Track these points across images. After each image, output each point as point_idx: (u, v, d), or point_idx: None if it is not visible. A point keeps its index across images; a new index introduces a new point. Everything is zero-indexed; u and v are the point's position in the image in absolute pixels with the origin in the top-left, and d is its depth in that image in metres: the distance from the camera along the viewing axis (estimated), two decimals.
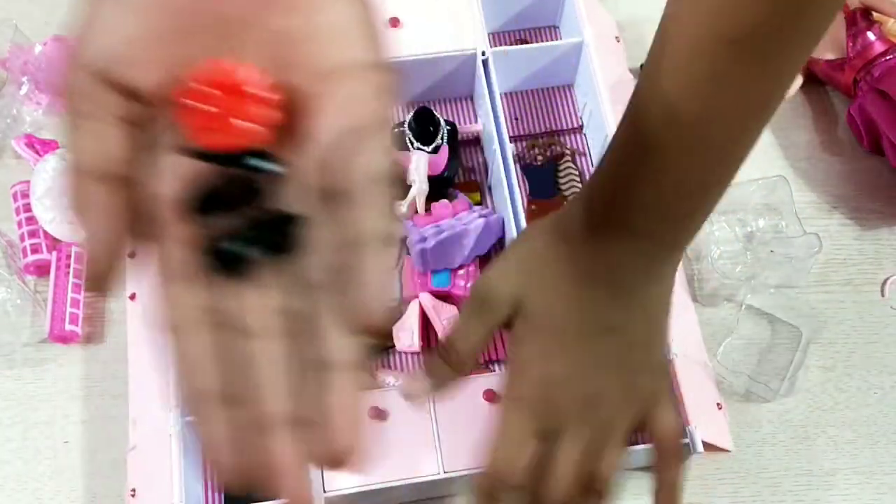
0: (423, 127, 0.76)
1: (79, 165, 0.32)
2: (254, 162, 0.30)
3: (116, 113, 0.31)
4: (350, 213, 0.30)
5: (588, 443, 0.52)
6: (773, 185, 0.78)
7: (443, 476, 0.63)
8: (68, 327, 0.73)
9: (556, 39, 0.88)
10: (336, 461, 0.29)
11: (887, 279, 0.78)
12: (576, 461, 0.52)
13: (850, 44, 0.81)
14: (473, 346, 0.54)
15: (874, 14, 0.82)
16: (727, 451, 0.69)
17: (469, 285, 0.73)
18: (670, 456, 0.55)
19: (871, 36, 0.81)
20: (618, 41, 0.84)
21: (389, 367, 0.72)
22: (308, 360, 0.30)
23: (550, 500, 0.51)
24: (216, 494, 0.69)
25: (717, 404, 0.69)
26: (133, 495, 0.64)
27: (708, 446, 0.66)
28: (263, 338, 0.30)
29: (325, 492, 0.62)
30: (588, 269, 0.52)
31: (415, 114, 0.76)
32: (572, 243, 0.53)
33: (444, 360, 0.54)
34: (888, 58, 0.80)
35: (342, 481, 0.62)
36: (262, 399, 0.30)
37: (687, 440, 0.65)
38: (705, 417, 0.67)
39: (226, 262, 0.30)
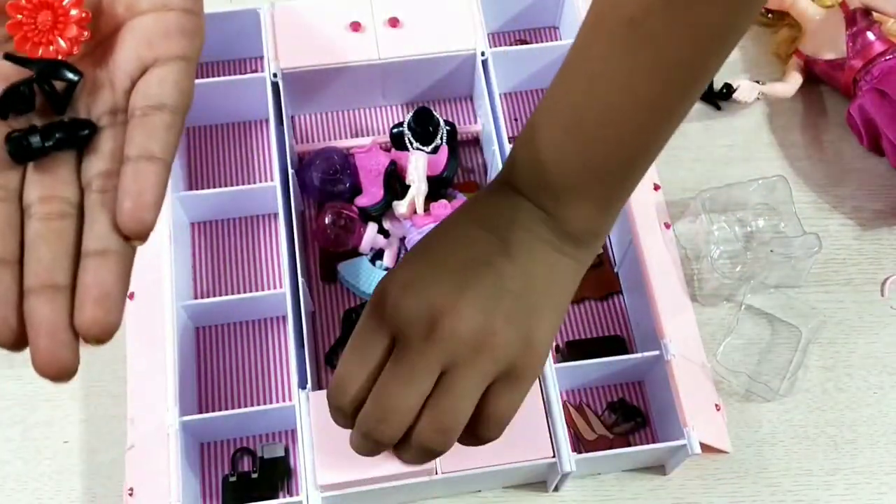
0: (423, 127, 0.76)
1: None
2: (60, 71, 0.37)
3: None
4: (129, 131, 0.36)
5: (422, 369, 0.49)
6: (772, 184, 0.78)
7: (439, 476, 0.63)
8: None
9: (556, 40, 0.88)
10: (85, 330, 0.35)
11: (887, 279, 0.78)
12: (403, 386, 0.49)
13: (850, 44, 0.81)
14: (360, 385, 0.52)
15: (874, 14, 0.82)
16: (725, 452, 0.69)
17: None
18: (481, 435, 0.52)
19: (870, 36, 0.81)
20: None
21: None
22: (77, 246, 0.36)
23: (379, 429, 0.49)
24: (215, 493, 0.69)
25: (716, 405, 0.69)
26: (131, 494, 0.64)
27: (706, 447, 0.66)
28: (43, 219, 0.36)
29: (320, 492, 0.63)
30: (481, 214, 0.53)
31: (414, 114, 0.77)
32: (476, 197, 0.55)
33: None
34: (888, 58, 0.79)
35: (336, 476, 0.62)
36: (30, 267, 0.35)
37: (685, 441, 0.65)
38: (703, 418, 0.67)
39: (20, 150, 0.36)
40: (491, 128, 0.76)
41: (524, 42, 0.88)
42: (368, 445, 0.51)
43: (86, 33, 0.37)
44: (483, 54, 0.79)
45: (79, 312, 0.35)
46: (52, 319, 0.35)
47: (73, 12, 0.37)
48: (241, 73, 0.85)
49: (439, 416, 0.49)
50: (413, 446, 0.50)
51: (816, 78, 0.85)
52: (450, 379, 0.49)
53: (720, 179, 0.80)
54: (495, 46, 0.83)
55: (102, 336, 0.35)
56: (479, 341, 0.49)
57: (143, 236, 0.35)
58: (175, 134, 0.36)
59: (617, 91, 0.48)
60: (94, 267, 0.35)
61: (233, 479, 0.69)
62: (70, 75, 0.37)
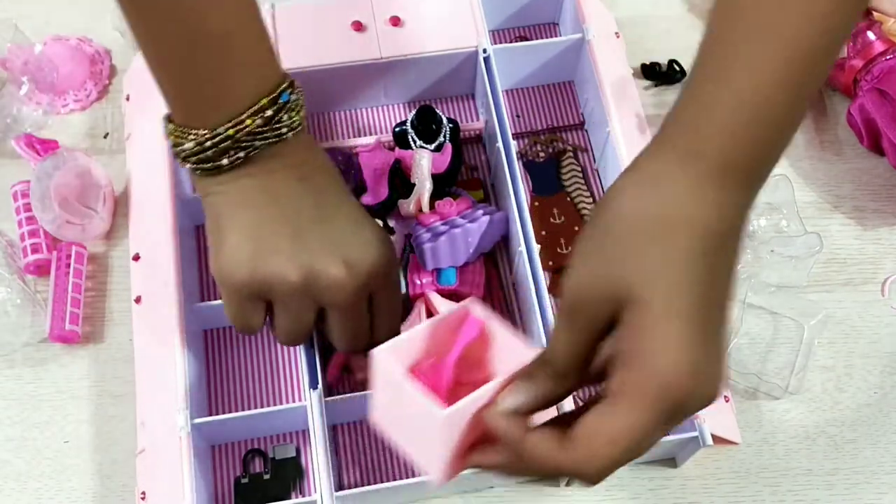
0: (426, 125, 0.76)
1: None
2: None
3: None
4: None
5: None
6: (774, 184, 0.78)
7: None
8: (68, 327, 0.73)
9: (556, 36, 0.88)
10: None
11: (887, 279, 0.79)
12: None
13: (850, 43, 0.81)
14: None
15: (874, 14, 0.82)
16: (735, 443, 0.69)
17: (476, 282, 0.73)
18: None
19: (870, 35, 0.81)
20: (617, 37, 0.84)
21: None
22: None
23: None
24: (227, 495, 0.69)
25: (725, 397, 0.70)
26: (143, 498, 0.64)
27: (717, 439, 0.66)
28: None
29: (335, 490, 0.63)
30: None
31: (417, 112, 0.76)
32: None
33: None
34: (888, 57, 0.80)
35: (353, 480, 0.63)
36: None
37: (696, 433, 0.65)
38: (713, 410, 0.67)
39: None
40: (494, 124, 0.76)
41: (524, 38, 0.88)
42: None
43: None
44: (485, 51, 0.79)
45: None
46: None
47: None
48: None
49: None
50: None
51: None
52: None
53: None
54: (496, 43, 0.83)
55: None
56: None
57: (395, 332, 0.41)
58: None
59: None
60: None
61: (245, 480, 0.69)
62: None
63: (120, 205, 0.79)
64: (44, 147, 0.79)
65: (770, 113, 0.46)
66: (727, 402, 0.70)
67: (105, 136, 0.83)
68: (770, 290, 0.76)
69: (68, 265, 0.75)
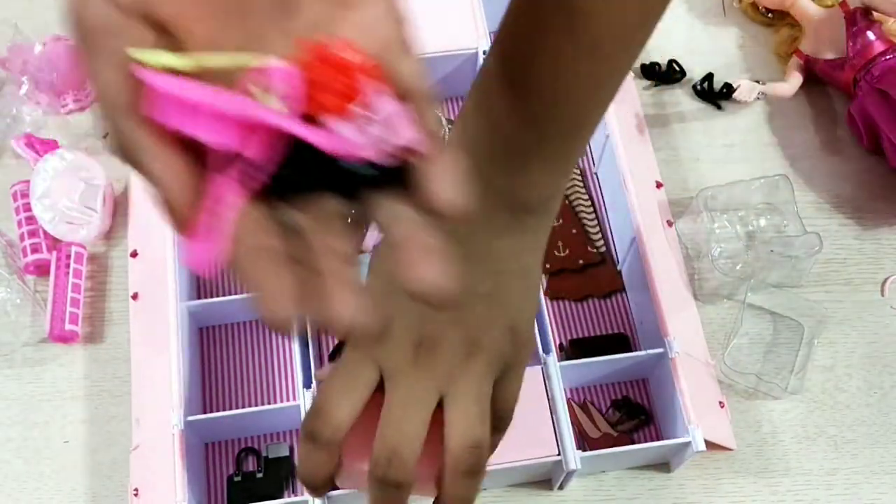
0: None
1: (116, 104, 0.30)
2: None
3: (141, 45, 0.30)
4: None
5: (420, 395, 0.47)
6: (774, 184, 0.78)
7: None
8: (68, 327, 0.73)
9: None
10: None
11: (887, 279, 0.79)
12: (405, 415, 0.46)
13: (850, 43, 0.81)
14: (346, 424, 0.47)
15: (874, 13, 0.82)
16: (730, 449, 0.69)
17: None
18: (496, 427, 0.50)
19: (870, 35, 0.81)
20: None
21: None
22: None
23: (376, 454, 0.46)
24: (220, 493, 0.69)
25: (720, 402, 0.69)
26: (136, 495, 0.64)
27: (710, 445, 0.66)
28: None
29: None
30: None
31: None
32: None
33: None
34: (888, 57, 0.80)
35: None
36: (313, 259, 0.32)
37: (689, 439, 0.65)
38: (707, 416, 0.67)
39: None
40: None
41: None
42: (388, 494, 0.46)
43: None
44: (485, 53, 0.79)
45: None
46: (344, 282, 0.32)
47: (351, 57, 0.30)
48: None
49: (463, 439, 0.46)
50: (450, 472, 0.46)
51: (817, 78, 0.85)
52: (454, 399, 0.47)
53: (720, 179, 0.80)
54: None
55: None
56: (467, 354, 0.48)
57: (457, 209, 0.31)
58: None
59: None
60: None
61: (238, 478, 0.69)
62: (369, 171, 0.30)
63: (120, 205, 0.79)
64: (44, 147, 0.79)
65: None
66: (722, 408, 0.70)
67: (105, 136, 0.83)
68: (770, 290, 0.76)
69: (68, 265, 0.75)
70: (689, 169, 0.82)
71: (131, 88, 0.29)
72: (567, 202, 0.80)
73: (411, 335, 0.48)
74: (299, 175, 0.29)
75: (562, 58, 0.45)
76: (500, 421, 0.50)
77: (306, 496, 0.63)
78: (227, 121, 0.28)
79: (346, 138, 0.29)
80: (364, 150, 0.29)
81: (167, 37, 0.30)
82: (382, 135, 0.29)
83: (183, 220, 0.29)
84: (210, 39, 0.30)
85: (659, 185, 0.77)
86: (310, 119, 0.29)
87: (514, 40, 0.46)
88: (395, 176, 0.30)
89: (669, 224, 0.76)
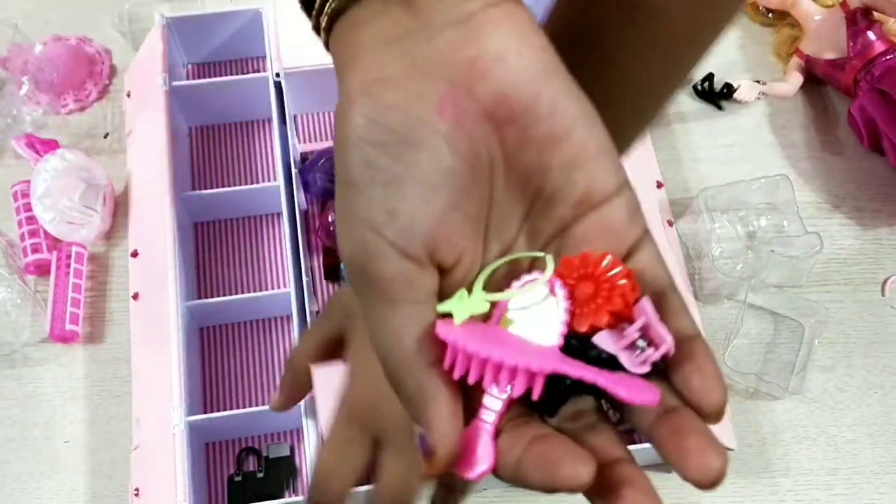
0: None
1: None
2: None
3: (431, 292, 0.31)
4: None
5: (415, 460, 0.52)
6: (775, 184, 0.78)
7: None
8: (68, 327, 0.73)
9: None
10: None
11: (887, 279, 0.79)
12: (396, 477, 0.51)
13: (851, 43, 0.81)
14: (310, 356, 0.54)
15: (874, 14, 0.82)
16: (730, 449, 0.69)
17: None
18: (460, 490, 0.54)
19: (871, 35, 0.81)
20: None
21: None
22: None
23: None
24: (220, 493, 0.69)
25: None
26: (137, 494, 0.64)
27: None
28: None
29: None
30: None
31: None
32: None
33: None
34: (888, 57, 0.80)
35: None
36: None
37: None
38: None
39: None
40: None
41: None
42: None
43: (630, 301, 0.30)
44: None
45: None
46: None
47: (622, 282, 0.30)
48: (243, 73, 0.85)
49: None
50: None
51: (817, 78, 0.85)
52: None
53: (721, 179, 0.80)
54: None
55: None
56: None
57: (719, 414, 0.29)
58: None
59: None
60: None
61: (238, 478, 0.69)
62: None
63: (120, 205, 0.79)
64: (44, 147, 0.79)
65: None
66: None
67: (105, 136, 0.83)
68: (770, 290, 0.76)
69: (68, 265, 0.75)
70: (689, 169, 0.82)
71: (433, 343, 0.30)
72: None
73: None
74: (556, 394, 0.31)
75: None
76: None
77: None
78: (514, 371, 0.29)
79: (631, 378, 0.29)
80: (635, 369, 0.30)
81: (443, 274, 0.31)
82: (644, 347, 0.30)
83: (438, 468, 0.30)
84: (475, 261, 0.32)
85: (659, 185, 0.77)
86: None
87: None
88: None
89: (670, 224, 0.75)
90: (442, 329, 0.30)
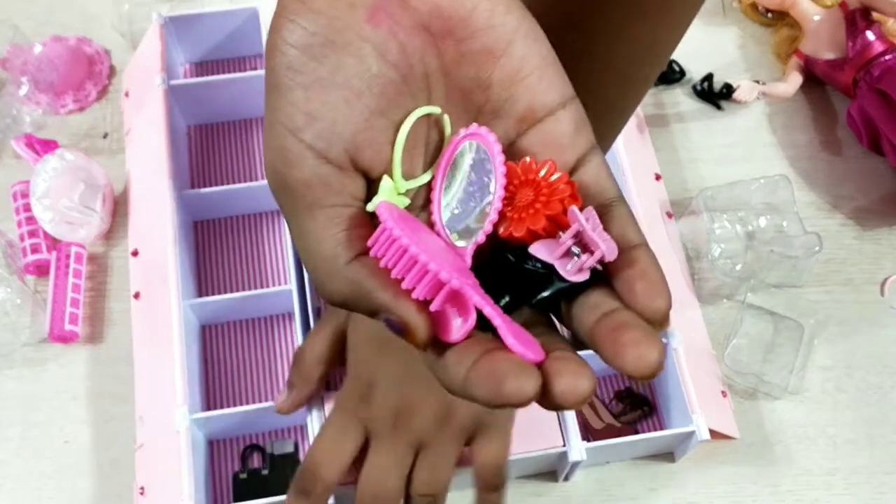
0: None
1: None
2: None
3: (356, 197, 0.30)
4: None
5: (398, 456, 0.55)
6: (774, 184, 0.78)
7: None
8: (68, 327, 0.73)
9: None
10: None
11: (887, 279, 0.79)
12: (379, 469, 0.55)
13: (850, 43, 0.81)
14: (318, 355, 0.58)
15: (874, 14, 0.82)
16: (733, 438, 0.69)
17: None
18: (488, 486, 0.58)
19: (870, 36, 0.81)
20: None
21: None
22: None
23: None
24: (225, 490, 0.69)
25: (722, 392, 0.70)
26: (142, 493, 0.64)
27: (714, 434, 0.66)
28: None
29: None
30: None
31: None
32: None
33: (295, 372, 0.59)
34: (887, 57, 0.80)
35: (351, 474, 0.63)
36: None
37: (693, 428, 0.65)
38: (710, 405, 0.68)
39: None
40: None
41: None
42: None
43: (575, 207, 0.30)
44: None
45: None
46: None
47: (562, 187, 0.30)
48: (241, 71, 0.85)
49: (425, 488, 0.56)
50: None
51: (817, 78, 0.85)
52: (425, 454, 0.56)
53: (720, 179, 0.80)
54: None
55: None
56: (441, 419, 0.55)
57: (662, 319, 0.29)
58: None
59: None
60: None
61: (243, 476, 0.69)
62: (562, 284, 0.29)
63: (120, 205, 0.79)
64: (44, 147, 0.79)
65: None
66: (725, 397, 0.70)
67: (105, 136, 0.83)
68: (770, 290, 0.76)
69: (68, 265, 0.75)
70: (688, 169, 0.82)
71: (352, 238, 0.30)
72: None
73: (390, 401, 0.55)
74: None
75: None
76: (493, 478, 0.58)
77: None
78: (425, 273, 0.29)
79: (525, 333, 0.29)
80: (571, 277, 0.29)
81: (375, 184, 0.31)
82: (582, 254, 0.29)
83: (426, 340, 0.29)
84: (409, 172, 0.32)
85: (658, 178, 0.77)
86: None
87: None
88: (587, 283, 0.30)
89: (669, 216, 0.76)
90: (382, 211, 0.29)
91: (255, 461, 0.70)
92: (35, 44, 0.84)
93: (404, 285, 0.28)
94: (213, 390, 0.73)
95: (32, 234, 0.76)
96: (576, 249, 0.29)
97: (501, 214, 0.31)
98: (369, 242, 0.29)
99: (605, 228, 0.29)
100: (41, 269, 0.76)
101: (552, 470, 0.70)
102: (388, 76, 0.30)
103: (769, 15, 0.90)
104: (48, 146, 0.79)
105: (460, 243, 0.31)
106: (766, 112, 0.86)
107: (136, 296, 0.71)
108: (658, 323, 0.28)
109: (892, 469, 0.71)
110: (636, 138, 0.78)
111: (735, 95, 0.84)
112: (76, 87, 0.84)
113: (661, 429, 0.71)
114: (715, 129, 0.85)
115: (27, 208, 0.76)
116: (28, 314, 0.74)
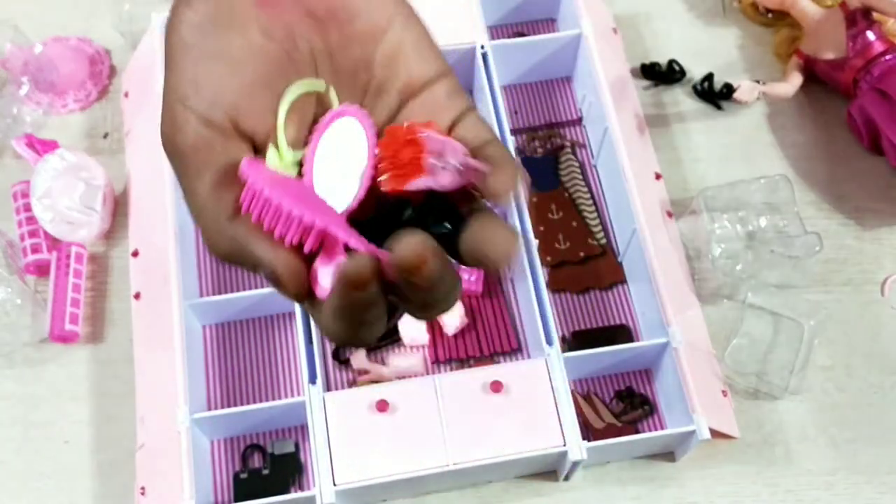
0: None
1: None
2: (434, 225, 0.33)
3: (241, 160, 0.33)
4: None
5: None
6: (775, 184, 0.78)
7: (450, 468, 0.63)
8: (68, 327, 0.73)
9: (554, 32, 0.88)
10: None
11: (887, 279, 0.79)
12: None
13: (850, 44, 0.81)
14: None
15: (874, 14, 0.82)
16: (733, 437, 0.69)
17: (474, 279, 0.74)
18: None
19: (870, 36, 0.81)
20: (615, 33, 0.84)
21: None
22: None
23: None
24: (226, 490, 0.69)
25: (722, 391, 0.70)
26: (143, 493, 0.64)
27: (714, 433, 0.66)
28: None
29: (335, 485, 0.63)
30: None
31: None
32: None
33: None
34: (888, 57, 0.80)
35: (352, 475, 0.63)
36: None
37: (693, 427, 0.65)
38: (711, 404, 0.68)
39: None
40: (492, 120, 0.76)
41: (522, 35, 0.88)
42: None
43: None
44: (483, 48, 0.79)
45: None
46: None
47: (424, 134, 0.33)
48: None
49: None
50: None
51: (817, 78, 0.85)
52: None
53: (721, 179, 0.80)
54: (494, 39, 0.83)
55: None
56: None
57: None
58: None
59: None
60: None
61: (244, 475, 0.69)
62: (442, 228, 0.33)
63: (120, 205, 0.79)
64: (44, 147, 0.79)
65: None
66: (725, 396, 0.70)
67: (105, 136, 0.83)
68: (770, 290, 0.76)
69: (68, 265, 0.75)
70: (689, 169, 0.82)
71: (234, 198, 0.32)
72: (567, 195, 0.80)
73: None
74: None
75: None
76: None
77: (314, 491, 0.63)
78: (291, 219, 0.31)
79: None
80: (452, 185, 0.33)
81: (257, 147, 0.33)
82: (450, 166, 0.33)
83: (301, 293, 0.31)
84: (294, 141, 0.34)
85: (658, 177, 0.77)
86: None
87: None
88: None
89: (670, 215, 0.76)
90: (246, 168, 0.31)
91: (256, 461, 0.70)
92: (35, 44, 0.84)
93: (276, 234, 0.30)
94: (213, 390, 0.73)
95: (33, 233, 0.76)
96: (439, 163, 0.32)
97: (383, 173, 0.33)
98: (241, 199, 0.31)
99: (463, 136, 0.34)
100: (41, 269, 0.76)
101: (552, 470, 0.70)
102: (272, 52, 0.33)
103: (769, 15, 0.90)
104: (48, 146, 0.79)
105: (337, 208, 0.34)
106: (767, 112, 0.86)
107: (137, 296, 0.71)
108: (500, 196, 0.32)
109: (893, 469, 0.71)
110: (636, 138, 0.78)
111: (735, 95, 0.84)
112: (76, 87, 0.84)
113: (662, 428, 0.71)
114: (715, 128, 0.85)
115: (27, 208, 0.76)
116: (28, 314, 0.74)
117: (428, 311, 0.33)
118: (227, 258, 0.32)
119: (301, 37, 0.34)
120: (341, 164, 0.34)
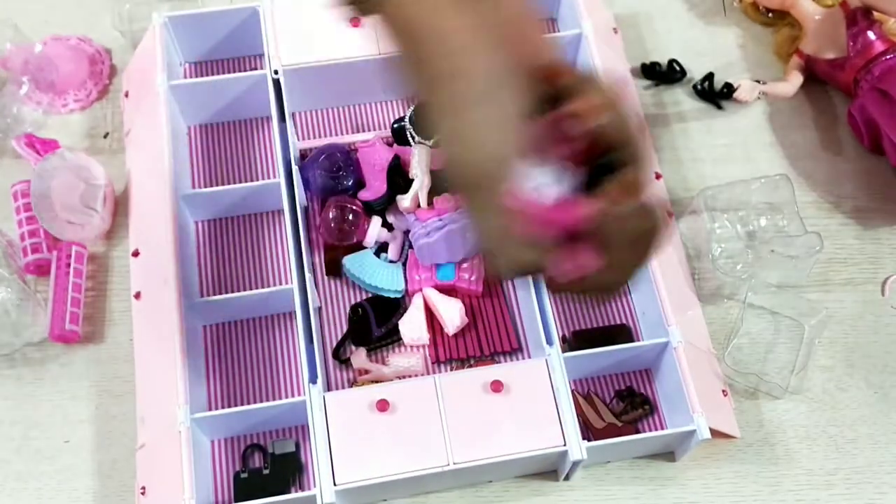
0: (424, 121, 0.76)
1: None
2: None
3: None
4: None
5: None
6: (775, 183, 0.78)
7: (451, 467, 0.63)
8: (69, 327, 0.73)
9: (554, 31, 0.88)
10: None
11: (887, 278, 0.79)
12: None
13: (851, 43, 0.81)
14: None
15: (874, 13, 0.82)
16: (734, 437, 0.69)
17: (473, 278, 0.74)
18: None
19: (871, 35, 0.81)
20: (615, 33, 0.84)
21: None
22: None
23: None
24: (226, 490, 0.69)
25: (723, 391, 0.70)
26: (143, 493, 0.64)
27: (714, 433, 0.66)
28: None
29: (335, 485, 0.63)
30: None
31: (415, 108, 0.77)
32: None
33: None
34: (888, 57, 0.80)
35: (352, 475, 0.63)
36: None
37: (694, 427, 0.65)
38: (711, 404, 0.68)
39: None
40: None
41: None
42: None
43: None
44: None
45: None
46: None
47: None
48: (241, 71, 0.85)
49: None
50: None
51: (817, 78, 0.85)
52: None
53: (721, 178, 0.80)
54: None
55: None
56: None
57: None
58: None
59: None
60: None
61: (244, 475, 0.69)
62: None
63: (120, 205, 0.79)
64: (44, 147, 0.79)
65: None
66: (725, 396, 0.70)
67: (105, 136, 0.83)
68: (770, 290, 0.76)
69: (68, 265, 0.75)
70: (689, 169, 0.82)
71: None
72: None
73: None
74: None
75: None
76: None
77: (314, 491, 0.63)
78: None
79: None
80: None
81: None
82: None
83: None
84: None
85: (658, 177, 0.77)
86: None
87: None
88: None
89: (670, 215, 0.76)
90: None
91: (256, 461, 0.70)
92: (35, 43, 0.84)
93: None
94: (214, 390, 0.73)
95: (33, 233, 0.76)
96: None
97: None
98: None
99: None
100: (41, 269, 0.76)
101: (552, 469, 0.70)
102: None
103: (770, 15, 0.90)
104: (49, 146, 0.79)
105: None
106: (767, 112, 0.86)
107: (137, 296, 0.71)
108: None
109: (893, 469, 0.71)
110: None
111: (736, 95, 0.84)
112: (77, 87, 0.84)
113: (662, 428, 0.71)
114: (715, 128, 0.85)
115: (27, 208, 0.76)
116: (29, 314, 0.74)
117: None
118: (522, 275, 0.48)
119: None
120: None
